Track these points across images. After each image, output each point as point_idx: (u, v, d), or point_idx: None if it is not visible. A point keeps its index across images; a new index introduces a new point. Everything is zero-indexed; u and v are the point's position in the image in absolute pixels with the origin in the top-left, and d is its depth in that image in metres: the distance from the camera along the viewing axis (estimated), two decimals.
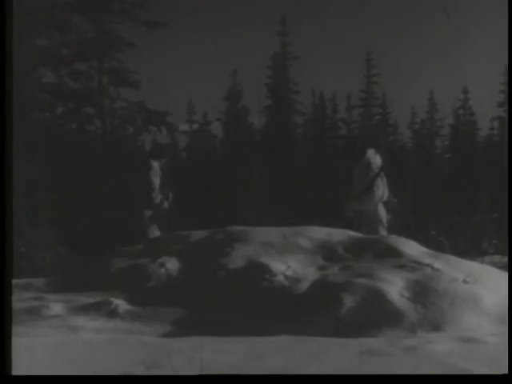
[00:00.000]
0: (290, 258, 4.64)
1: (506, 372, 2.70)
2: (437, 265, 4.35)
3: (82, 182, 11.70)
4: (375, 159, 6.43)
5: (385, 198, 6.38)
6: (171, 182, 6.90)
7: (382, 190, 6.30)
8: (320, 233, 5.16)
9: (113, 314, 4.05)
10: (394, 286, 3.95)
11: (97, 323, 3.89)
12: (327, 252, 4.81)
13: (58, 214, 8.76)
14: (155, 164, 6.65)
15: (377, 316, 3.71)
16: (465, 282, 4.10)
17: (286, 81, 22.11)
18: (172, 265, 4.76)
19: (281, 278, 4.33)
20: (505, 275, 4.41)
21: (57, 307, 4.11)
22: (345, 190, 6.45)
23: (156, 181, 6.63)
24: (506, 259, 7.04)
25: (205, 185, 15.53)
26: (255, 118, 22.81)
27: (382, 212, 6.36)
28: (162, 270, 4.68)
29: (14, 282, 3.66)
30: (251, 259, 4.64)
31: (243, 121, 22.40)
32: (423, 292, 3.91)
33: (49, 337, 3.59)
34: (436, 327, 3.64)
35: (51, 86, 13.47)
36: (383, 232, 6.21)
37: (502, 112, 23.23)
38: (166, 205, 6.69)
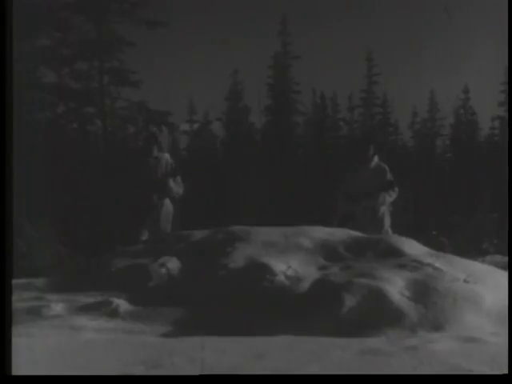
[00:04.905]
0: (291, 257, 4.63)
1: (507, 372, 2.70)
2: (438, 264, 4.34)
3: (82, 182, 11.71)
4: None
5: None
6: (179, 172, 6.75)
7: (397, 190, 6.32)
8: (321, 232, 5.15)
9: (113, 313, 4.04)
10: (395, 286, 3.95)
11: (97, 323, 3.88)
12: (328, 252, 4.80)
13: (58, 214, 8.76)
14: (148, 159, 6.60)
15: (378, 316, 3.71)
16: (466, 281, 4.09)
17: (287, 80, 22.13)
18: (173, 264, 4.75)
19: (282, 277, 4.32)
20: (505, 275, 4.41)
21: (57, 307, 4.10)
22: (348, 188, 6.42)
23: (149, 176, 6.54)
24: (506, 259, 7.03)
25: (205, 184, 15.52)
26: (256, 118, 22.84)
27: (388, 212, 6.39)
28: (163, 270, 4.68)
29: (14, 281, 3.66)
30: (252, 259, 4.63)
31: (244, 120, 22.41)
32: (424, 291, 3.91)
33: (49, 337, 3.58)
34: (437, 327, 3.63)
35: (52, 85, 13.48)
36: (390, 231, 6.24)
37: (503, 112, 23.22)
38: (180, 192, 6.62)
